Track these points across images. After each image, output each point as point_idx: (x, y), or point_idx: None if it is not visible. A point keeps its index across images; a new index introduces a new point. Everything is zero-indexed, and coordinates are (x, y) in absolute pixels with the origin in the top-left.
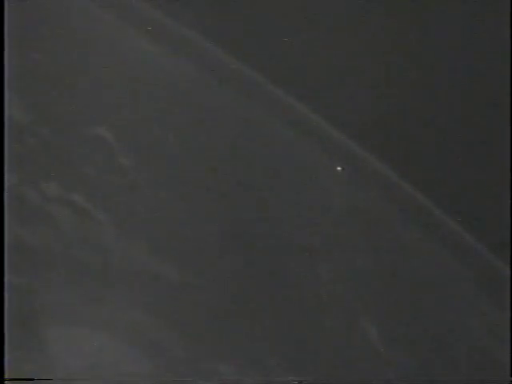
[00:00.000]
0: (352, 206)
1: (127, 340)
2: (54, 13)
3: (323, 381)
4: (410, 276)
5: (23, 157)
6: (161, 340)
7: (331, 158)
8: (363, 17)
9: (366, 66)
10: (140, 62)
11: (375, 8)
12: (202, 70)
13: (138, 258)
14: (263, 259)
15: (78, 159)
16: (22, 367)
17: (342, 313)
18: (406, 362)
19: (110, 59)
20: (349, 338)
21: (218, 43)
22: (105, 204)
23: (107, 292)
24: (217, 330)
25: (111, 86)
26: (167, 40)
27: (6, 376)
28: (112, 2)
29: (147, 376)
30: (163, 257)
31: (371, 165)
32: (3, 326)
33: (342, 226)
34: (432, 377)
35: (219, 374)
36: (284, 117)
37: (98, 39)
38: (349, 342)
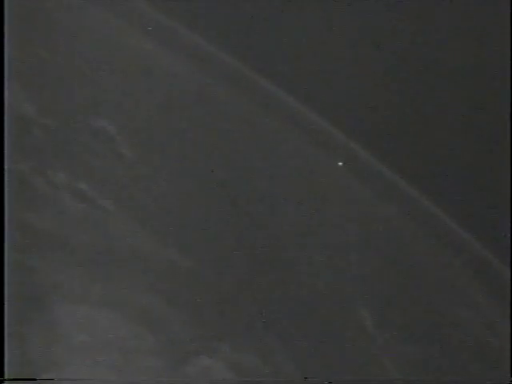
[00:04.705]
0: (351, 202)
1: (132, 318)
2: (55, 11)
3: (327, 380)
4: (409, 273)
5: (32, 147)
6: (164, 319)
7: (332, 155)
8: (363, 16)
9: (367, 64)
10: (141, 60)
11: (375, 7)
12: (202, 69)
13: (139, 242)
14: (263, 251)
15: (82, 150)
16: (33, 341)
17: (341, 309)
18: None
19: (113, 57)
20: (349, 333)
21: (218, 42)
22: (108, 192)
23: (112, 273)
24: (218, 312)
25: (113, 84)
26: (167, 39)
27: (6, 376)
28: (114, 2)
29: (148, 377)
30: (164, 241)
31: (371, 163)
32: (3, 325)
33: (341, 221)
34: (432, 376)
35: (219, 353)
36: (284, 115)
37: (101, 39)
38: (348, 337)
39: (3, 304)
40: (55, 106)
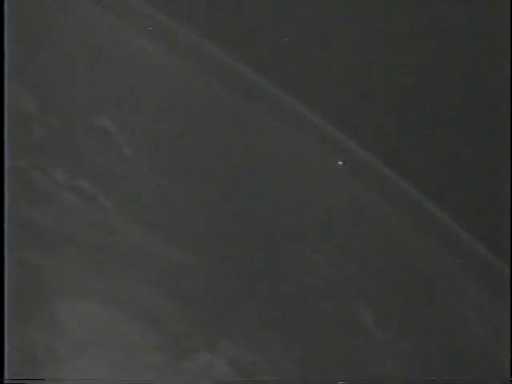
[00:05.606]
0: (351, 202)
1: (131, 314)
2: (56, 11)
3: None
4: (410, 274)
5: (32, 144)
6: (164, 315)
7: (331, 154)
8: (364, 15)
9: (366, 65)
10: (142, 59)
11: (375, 8)
12: (201, 68)
13: (139, 239)
14: (263, 250)
15: (83, 148)
16: (34, 336)
17: (341, 308)
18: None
19: (114, 57)
20: (349, 332)
21: (218, 42)
22: (108, 190)
23: (112, 270)
24: (217, 308)
25: (114, 84)
26: (167, 38)
27: (6, 376)
28: (114, 2)
29: (148, 378)
30: (163, 238)
31: (371, 163)
32: (3, 325)
33: (341, 220)
34: (432, 376)
35: (219, 348)
36: (284, 114)
37: (100, 39)
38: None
39: (3, 303)
40: (56, 105)
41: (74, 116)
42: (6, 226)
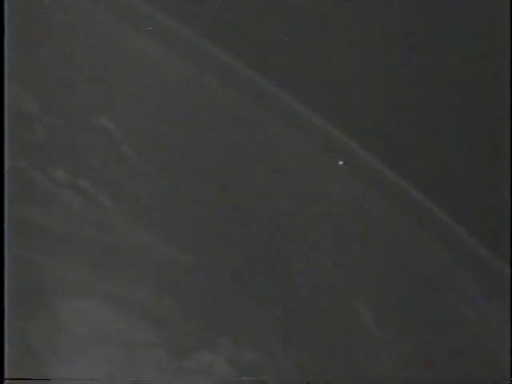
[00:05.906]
0: (351, 202)
1: (132, 312)
2: (56, 11)
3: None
4: (410, 274)
5: (33, 144)
6: (164, 314)
7: (331, 155)
8: (364, 14)
9: (366, 65)
10: (142, 59)
11: (376, 8)
12: (201, 67)
13: (139, 237)
14: (263, 249)
15: (83, 148)
16: (35, 336)
17: (341, 308)
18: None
19: (113, 57)
20: (349, 331)
21: (218, 42)
22: (108, 189)
23: (112, 269)
24: (217, 307)
25: (114, 83)
26: (166, 38)
27: (6, 376)
28: (114, 2)
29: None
30: (163, 237)
31: (371, 163)
32: (3, 324)
33: (341, 221)
34: (432, 376)
35: (219, 347)
36: (284, 114)
37: (100, 39)
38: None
39: (3, 302)
40: (56, 105)
41: (74, 116)
42: (6, 225)
